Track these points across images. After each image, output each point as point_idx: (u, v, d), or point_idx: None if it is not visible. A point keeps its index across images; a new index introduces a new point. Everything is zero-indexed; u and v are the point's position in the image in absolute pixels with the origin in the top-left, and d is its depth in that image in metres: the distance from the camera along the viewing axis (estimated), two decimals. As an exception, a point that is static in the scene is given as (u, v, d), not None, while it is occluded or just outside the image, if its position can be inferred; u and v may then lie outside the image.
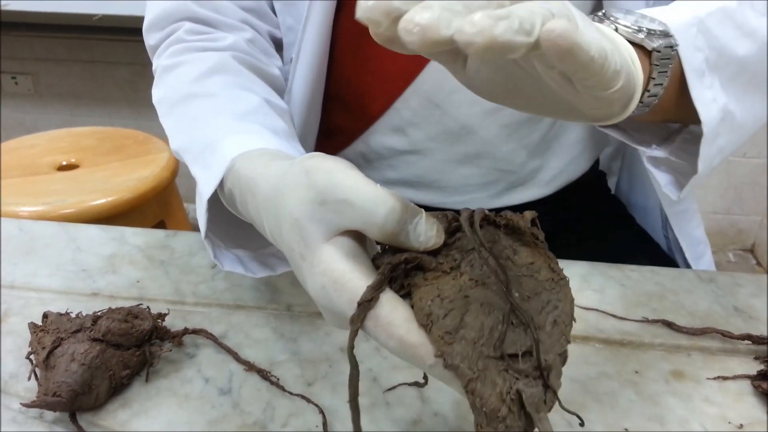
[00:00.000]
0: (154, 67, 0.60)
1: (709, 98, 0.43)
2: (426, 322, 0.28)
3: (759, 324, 0.53)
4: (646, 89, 0.38)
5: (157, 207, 1.42)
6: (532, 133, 0.65)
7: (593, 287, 0.58)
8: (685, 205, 0.65)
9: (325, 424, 0.43)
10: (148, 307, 0.51)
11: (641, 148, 0.50)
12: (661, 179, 0.51)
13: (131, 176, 1.38)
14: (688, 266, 0.70)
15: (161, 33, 0.61)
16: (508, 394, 0.26)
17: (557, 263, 0.31)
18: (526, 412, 0.26)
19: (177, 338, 0.50)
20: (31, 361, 0.47)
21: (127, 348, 0.47)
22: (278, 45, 0.64)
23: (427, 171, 0.67)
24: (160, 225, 1.44)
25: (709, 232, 2.54)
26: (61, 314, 0.49)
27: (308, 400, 0.45)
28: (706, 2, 0.44)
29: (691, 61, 0.42)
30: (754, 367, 0.48)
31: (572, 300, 0.30)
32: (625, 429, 0.44)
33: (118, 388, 0.46)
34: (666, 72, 0.38)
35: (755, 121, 0.48)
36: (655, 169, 0.51)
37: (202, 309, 0.56)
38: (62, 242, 0.65)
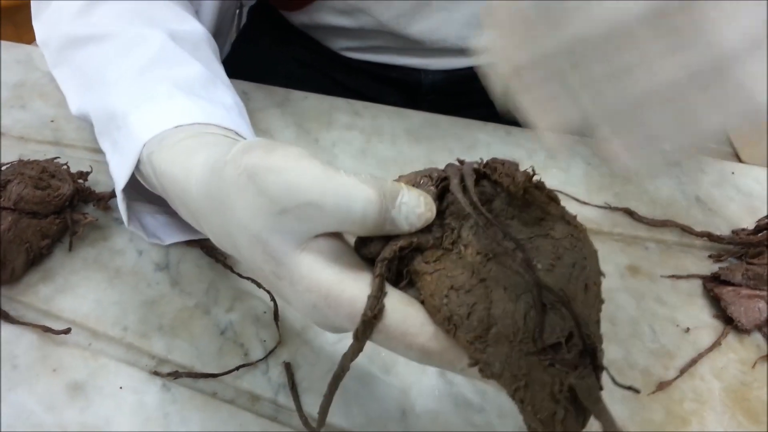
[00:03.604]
0: None
1: None
2: (448, 326, 0.23)
3: (716, 218, 0.52)
4: None
5: None
6: None
7: (558, 164, 0.55)
8: None
9: (276, 312, 0.40)
10: (66, 165, 0.44)
11: None
12: None
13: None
14: None
15: None
16: (561, 392, 0.23)
17: (568, 211, 0.26)
18: (583, 406, 0.23)
19: (103, 201, 0.44)
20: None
21: (45, 216, 0.41)
22: None
23: (388, 44, 0.62)
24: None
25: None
26: (-40, 169, 0.42)
27: (258, 284, 0.41)
28: None
29: None
30: (707, 266, 0.48)
31: (596, 251, 0.26)
32: (577, 325, 0.43)
33: (36, 258, 0.41)
34: None
35: None
36: None
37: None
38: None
